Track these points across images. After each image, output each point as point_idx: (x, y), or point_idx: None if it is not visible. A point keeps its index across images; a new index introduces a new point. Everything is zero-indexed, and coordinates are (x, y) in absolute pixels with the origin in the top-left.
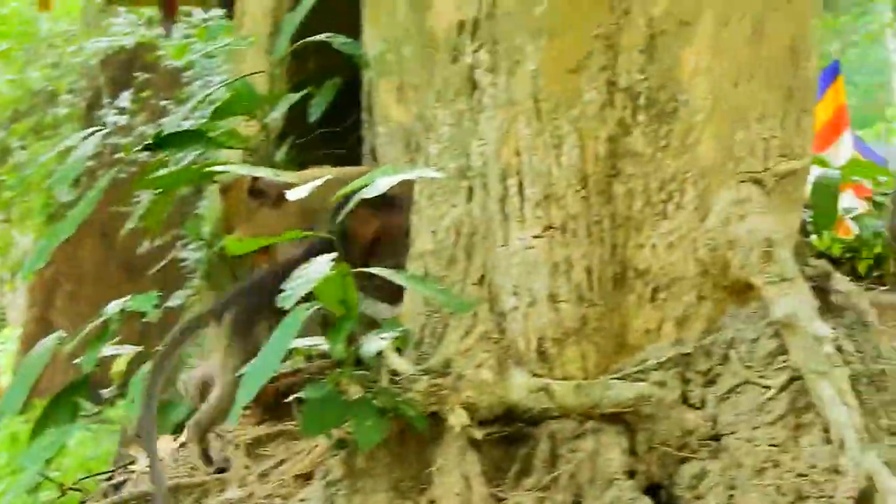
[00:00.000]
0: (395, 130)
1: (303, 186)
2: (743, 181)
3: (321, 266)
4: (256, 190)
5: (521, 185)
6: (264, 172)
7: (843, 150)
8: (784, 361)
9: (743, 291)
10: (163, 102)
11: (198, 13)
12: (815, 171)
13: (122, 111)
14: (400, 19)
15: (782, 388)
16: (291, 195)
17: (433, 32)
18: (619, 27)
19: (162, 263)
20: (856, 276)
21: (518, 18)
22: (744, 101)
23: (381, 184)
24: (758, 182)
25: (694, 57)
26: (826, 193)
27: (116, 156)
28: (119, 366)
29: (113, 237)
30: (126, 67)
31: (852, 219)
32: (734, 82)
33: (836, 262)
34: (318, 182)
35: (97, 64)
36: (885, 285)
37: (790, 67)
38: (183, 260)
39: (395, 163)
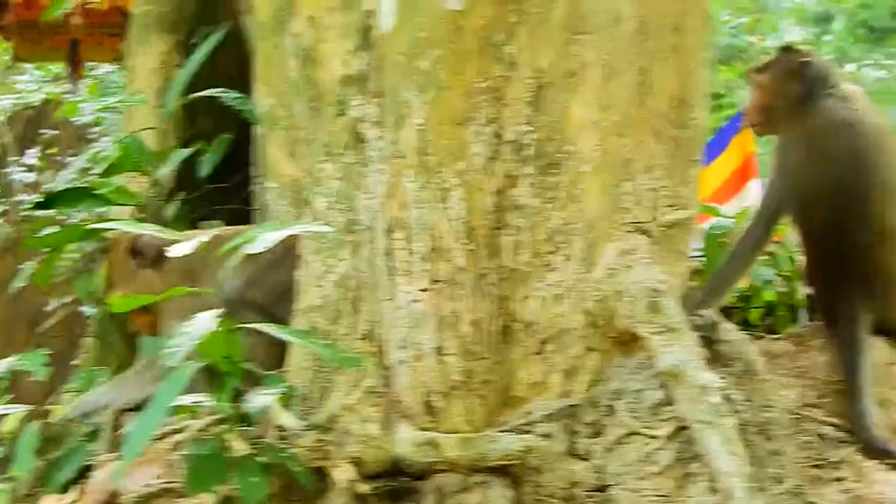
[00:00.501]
0: (284, 185)
1: (181, 245)
2: (630, 232)
3: (206, 322)
4: (135, 249)
5: (407, 238)
6: (150, 230)
7: (748, 200)
8: (671, 412)
9: (630, 342)
10: (69, 159)
11: (105, 68)
12: (709, 221)
13: (29, 168)
14: (289, 74)
15: (669, 439)
16: (171, 253)
17: (321, 86)
18: (506, 79)
19: (53, 321)
20: (747, 325)
21: (404, 72)
22: (631, 153)
23: (264, 240)
24: (644, 232)
25: (581, 108)
26: (716, 243)
27: (24, 214)
28: (8, 425)
29: (19, 294)
30: (33, 124)
31: None
32: (621, 133)
33: (727, 311)
34: (197, 240)
35: (3, 121)
36: (776, 333)
37: (677, 118)
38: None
39: (285, 218)
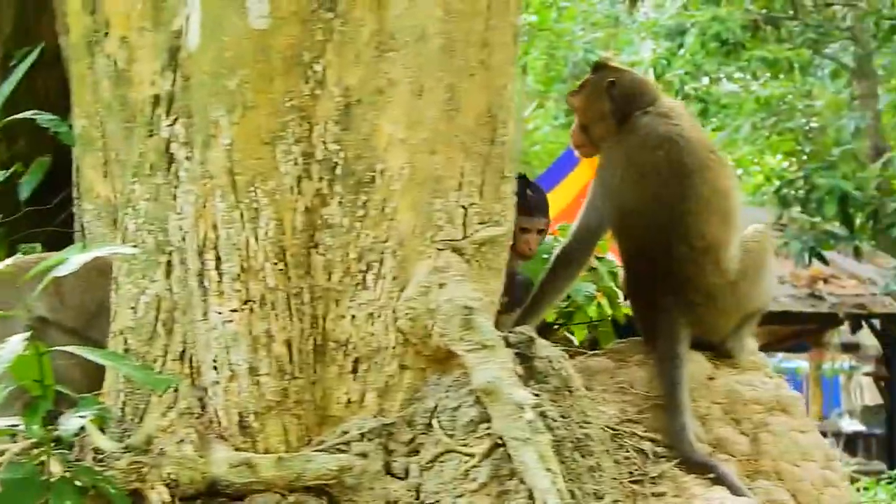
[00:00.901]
0: (101, 207)
1: None
2: (442, 249)
3: (14, 345)
4: None
5: (218, 259)
6: None
7: None
8: (487, 429)
9: (445, 360)
10: None
11: None
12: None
13: None
14: (103, 95)
15: (485, 456)
16: None
17: (133, 107)
18: (314, 98)
19: None
20: (569, 342)
21: (211, 91)
22: (441, 170)
23: (74, 262)
24: (457, 250)
25: (390, 126)
26: (538, 260)
27: None
28: None
29: None
30: None
31: None
32: (431, 150)
33: (549, 328)
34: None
35: None
36: (598, 349)
37: (488, 135)
38: None
39: (102, 239)
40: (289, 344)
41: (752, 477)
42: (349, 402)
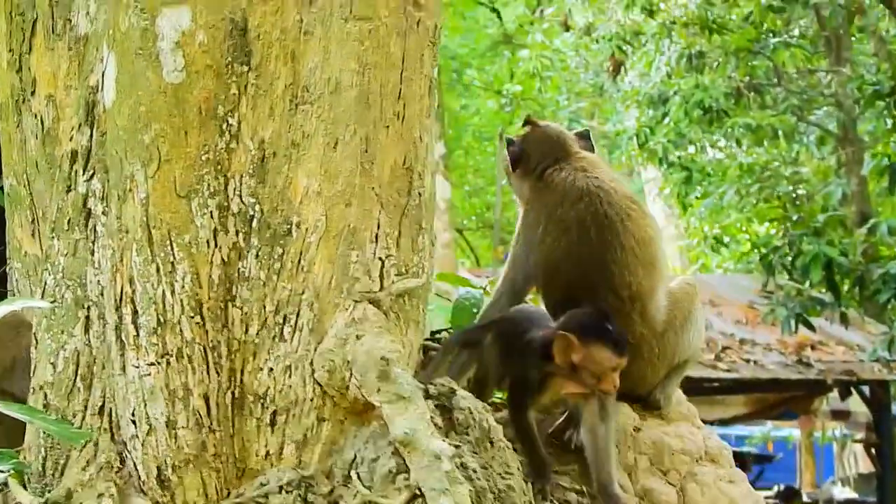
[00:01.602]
0: (27, 264)
1: None
2: (359, 301)
3: None
4: None
5: (135, 312)
6: None
7: None
8: (405, 480)
9: (363, 412)
10: None
11: None
12: (460, 291)
13: None
14: (30, 153)
15: None
16: None
17: (57, 163)
18: (230, 151)
19: None
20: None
21: (128, 145)
22: (357, 221)
23: None
24: (374, 302)
25: (305, 178)
26: (466, 312)
27: None
28: None
29: None
30: None
31: None
32: (346, 202)
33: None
34: None
35: None
36: None
37: (404, 186)
38: None
39: (26, 296)
40: (206, 397)
41: None
42: (268, 454)
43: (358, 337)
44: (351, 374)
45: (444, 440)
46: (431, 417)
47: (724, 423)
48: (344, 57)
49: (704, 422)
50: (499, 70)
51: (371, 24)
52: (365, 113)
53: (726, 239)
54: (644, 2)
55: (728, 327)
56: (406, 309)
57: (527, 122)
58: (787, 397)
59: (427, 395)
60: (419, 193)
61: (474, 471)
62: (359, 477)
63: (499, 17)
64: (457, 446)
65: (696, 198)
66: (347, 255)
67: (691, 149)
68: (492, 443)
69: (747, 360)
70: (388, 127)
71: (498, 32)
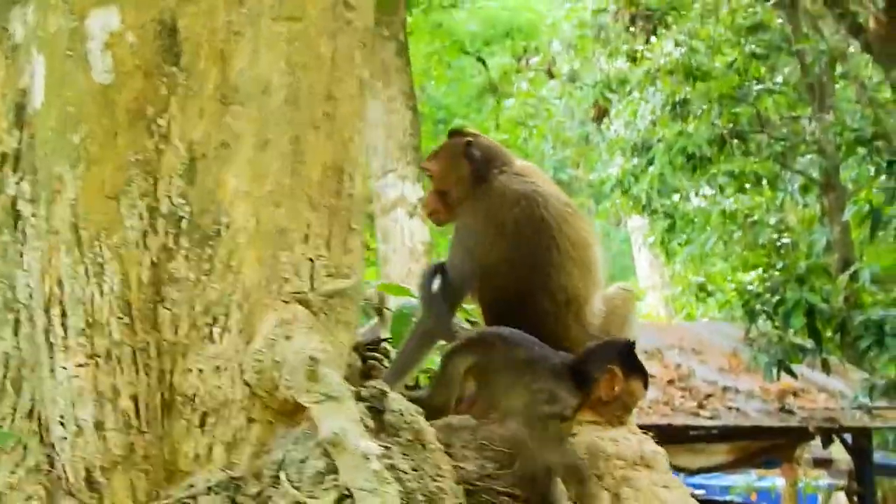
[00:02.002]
0: None
1: None
2: (288, 302)
3: None
4: None
5: (63, 314)
6: None
7: None
8: (334, 480)
9: (292, 412)
10: None
11: None
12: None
13: None
14: None
15: None
16: None
17: None
18: (159, 152)
19: None
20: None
21: (56, 147)
22: (287, 222)
23: None
24: (304, 303)
25: (234, 179)
26: (405, 321)
27: None
28: None
29: None
30: None
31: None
32: (276, 203)
33: (415, 387)
34: None
35: None
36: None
37: (334, 187)
38: None
39: None
40: (135, 399)
41: None
42: (197, 456)
43: (287, 337)
44: (280, 375)
45: (373, 441)
46: (362, 419)
47: (706, 471)
48: (273, 57)
49: (687, 470)
50: (484, 119)
51: (301, 24)
52: (295, 114)
53: (711, 287)
54: (628, 50)
55: (711, 375)
56: (336, 310)
57: (453, 132)
58: (769, 445)
59: (358, 398)
60: (350, 194)
61: (404, 472)
62: (287, 478)
63: (484, 65)
64: (387, 448)
65: (679, 244)
66: (277, 255)
67: (675, 196)
68: (423, 445)
69: (730, 408)
70: (318, 128)
71: (483, 81)
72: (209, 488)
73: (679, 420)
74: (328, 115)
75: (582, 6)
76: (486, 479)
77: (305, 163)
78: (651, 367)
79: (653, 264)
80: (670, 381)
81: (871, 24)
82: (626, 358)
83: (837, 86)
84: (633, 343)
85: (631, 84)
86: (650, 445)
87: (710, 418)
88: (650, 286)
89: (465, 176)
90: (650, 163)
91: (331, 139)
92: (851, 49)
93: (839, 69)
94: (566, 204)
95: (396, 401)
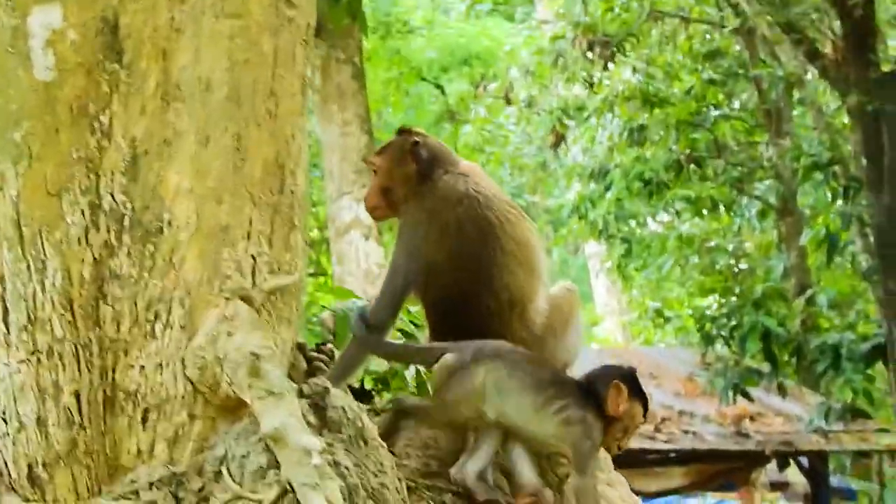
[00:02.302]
0: None
1: None
2: (230, 298)
3: None
4: None
5: (6, 310)
6: None
7: None
8: (275, 476)
9: (234, 408)
10: None
11: None
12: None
13: None
14: None
15: (274, 503)
16: None
17: None
18: (101, 149)
19: None
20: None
21: None
22: (229, 219)
23: None
24: (246, 299)
25: (176, 176)
26: (349, 323)
27: None
28: None
29: None
30: None
31: None
32: (218, 200)
33: (367, 394)
34: None
35: None
36: None
37: (276, 184)
38: None
39: None
40: (77, 395)
41: None
42: (139, 451)
43: (229, 334)
44: (222, 371)
45: (315, 437)
46: (304, 416)
47: (663, 494)
48: (215, 55)
49: (644, 494)
50: None
51: (242, 21)
52: (236, 111)
53: (668, 313)
54: (586, 76)
55: (667, 399)
56: (278, 307)
57: (401, 130)
58: (725, 468)
59: (300, 394)
60: (292, 191)
61: (347, 468)
62: (229, 473)
63: (442, 92)
64: (329, 444)
65: (636, 269)
66: (219, 252)
67: (632, 222)
68: (365, 441)
69: (686, 432)
70: (259, 125)
71: (441, 107)
72: (151, 484)
73: (635, 444)
74: (270, 113)
75: (540, 33)
76: (430, 476)
77: (247, 159)
78: None
79: (610, 290)
80: None
81: (828, 49)
82: (631, 380)
83: (795, 112)
84: (635, 369)
85: (588, 110)
86: None
87: (667, 442)
88: (607, 312)
89: (411, 174)
90: (607, 188)
91: (273, 136)
92: (808, 75)
93: (796, 95)
94: (510, 205)
95: (339, 398)
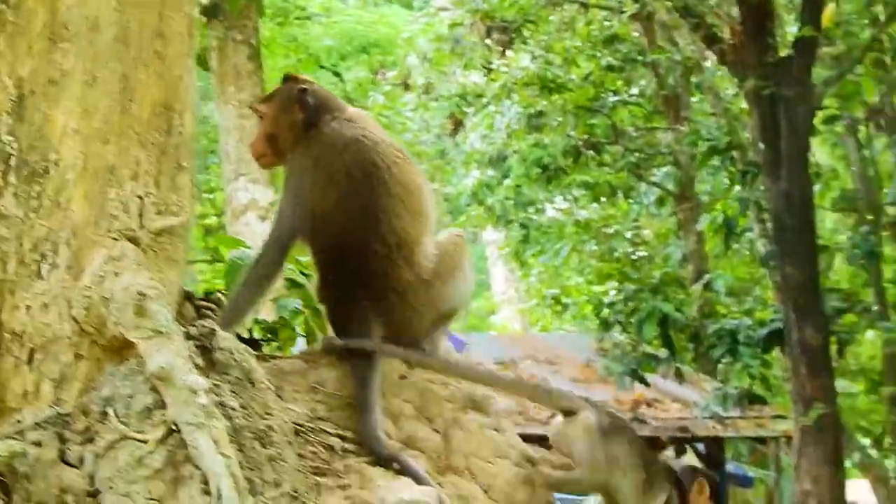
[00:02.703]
0: None
1: None
2: (117, 239)
3: None
4: None
5: None
6: None
7: None
8: (162, 415)
9: (121, 349)
10: None
11: None
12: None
13: None
14: None
15: (160, 443)
16: None
17: None
18: None
19: None
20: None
21: None
22: (116, 160)
23: None
24: (132, 240)
25: (63, 116)
26: (238, 271)
27: None
28: None
29: None
30: None
31: (273, 300)
32: (105, 140)
33: (255, 344)
34: None
35: None
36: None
37: (163, 125)
38: None
39: None
40: None
41: (444, 473)
42: (25, 392)
43: (116, 274)
44: (109, 311)
45: (201, 377)
46: (191, 357)
47: None
48: None
49: None
50: None
51: None
52: (124, 51)
53: (566, 300)
54: (484, 62)
55: (565, 386)
56: (165, 247)
57: (287, 78)
58: None
59: (188, 336)
60: (179, 132)
61: (233, 409)
62: (115, 413)
63: (341, 79)
64: (216, 385)
65: (533, 255)
66: (105, 193)
67: (530, 208)
68: (252, 384)
69: None
70: (147, 65)
71: (339, 94)
72: (37, 424)
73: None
74: (158, 54)
75: (438, 20)
76: (316, 420)
77: (135, 100)
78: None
79: (508, 279)
80: None
81: (727, 34)
82: (710, 479)
83: (693, 98)
84: (716, 478)
85: (487, 97)
86: (481, 389)
87: None
88: (506, 300)
89: (297, 121)
90: (505, 175)
91: (161, 77)
92: (707, 61)
93: (694, 80)
94: (397, 149)
95: (226, 340)
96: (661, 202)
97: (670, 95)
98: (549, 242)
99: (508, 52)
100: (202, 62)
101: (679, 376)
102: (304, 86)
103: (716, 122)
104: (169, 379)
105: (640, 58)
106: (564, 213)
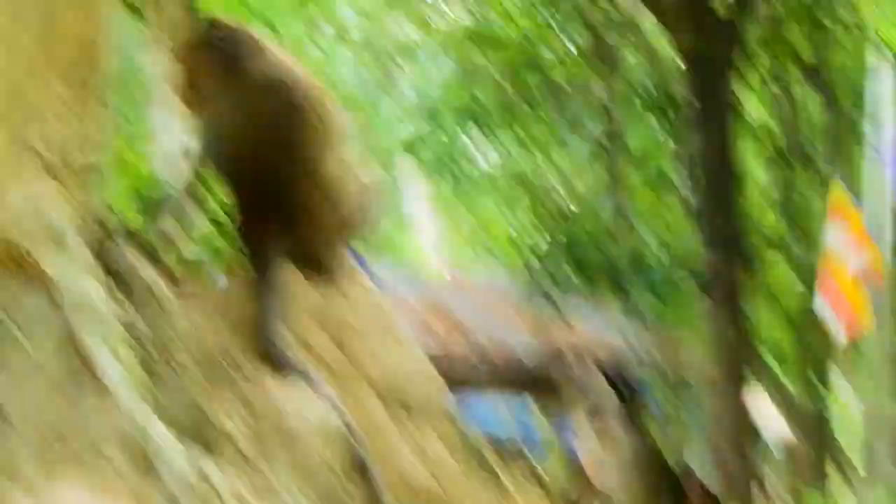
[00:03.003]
0: None
1: None
2: (38, 176)
3: None
4: None
5: None
6: None
7: None
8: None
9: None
10: None
11: None
12: None
13: None
14: None
15: (56, 351)
16: None
17: None
18: None
19: None
20: None
21: None
22: (38, 96)
23: None
24: (55, 176)
25: None
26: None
27: None
28: None
29: None
30: None
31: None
32: (28, 76)
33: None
34: None
35: None
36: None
37: (87, 62)
38: None
39: None
40: None
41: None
42: None
43: (36, 210)
44: (26, 245)
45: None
46: (105, 284)
47: None
48: None
49: None
50: None
51: None
52: None
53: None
54: (420, 16)
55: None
56: (87, 184)
57: (210, 23)
58: None
59: (107, 271)
60: (103, 70)
61: (142, 331)
62: (13, 322)
63: (277, 33)
64: (124, 308)
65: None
66: (27, 128)
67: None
68: (153, 297)
69: None
70: (71, 1)
71: None
72: None
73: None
74: None
75: None
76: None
77: (59, 36)
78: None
79: (434, 224)
80: None
81: None
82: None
83: (630, 57)
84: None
85: (423, 51)
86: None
87: None
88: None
89: (216, 65)
90: (439, 128)
91: (87, 14)
92: (644, 20)
93: (631, 39)
94: (319, 88)
95: (130, 256)
96: (594, 156)
97: (606, 54)
98: (480, 195)
99: (444, 8)
100: (137, 12)
101: None
102: (223, 30)
103: (651, 80)
104: (82, 305)
105: (578, 16)
106: (498, 167)
